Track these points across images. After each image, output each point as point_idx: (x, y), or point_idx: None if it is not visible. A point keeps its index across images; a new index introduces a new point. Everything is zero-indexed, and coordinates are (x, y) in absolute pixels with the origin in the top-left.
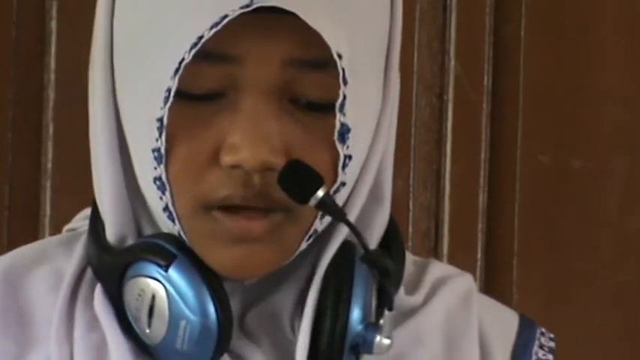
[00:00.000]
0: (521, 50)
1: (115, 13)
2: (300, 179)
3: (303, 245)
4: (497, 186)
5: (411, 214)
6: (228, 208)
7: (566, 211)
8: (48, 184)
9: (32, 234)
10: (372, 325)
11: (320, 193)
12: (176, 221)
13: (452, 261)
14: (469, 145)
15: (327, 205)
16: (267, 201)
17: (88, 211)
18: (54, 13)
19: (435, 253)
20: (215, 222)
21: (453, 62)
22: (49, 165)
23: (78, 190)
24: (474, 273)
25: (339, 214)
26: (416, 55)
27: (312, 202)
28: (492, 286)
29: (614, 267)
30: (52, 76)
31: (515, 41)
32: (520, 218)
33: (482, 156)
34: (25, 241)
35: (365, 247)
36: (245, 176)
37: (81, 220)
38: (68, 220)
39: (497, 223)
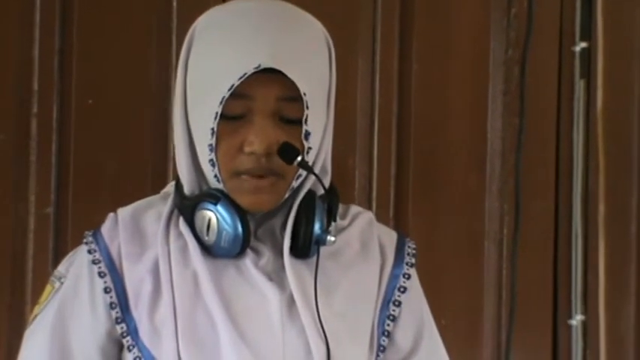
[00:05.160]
0: (412, 89)
1: (187, 70)
2: (288, 151)
3: (287, 194)
4: (402, 162)
5: (356, 178)
6: (249, 174)
7: (437, 180)
8: (170, 166)
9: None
10: (325, 231)
11: (299, 158)
12: (221, 182)
13: (378, 202)
14: (386, 140)
15: (303, 164)
16: (269, 170)
17: (172, 182)
18: (173, 80)
19: (369, 198)
20: (241, 182)
21: (377, 99)
22: (171, 154)
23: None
24: (388, 214)
25: (309, 168)
26: (358, 95)
27: (295, 162)
28: (399, 218)
29: (461, 210)
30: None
31: (409, 88)
32: (413, 184)
33: (393, 147)
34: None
35: (324, 187)
36: (257, 158)
37: (168, 187)
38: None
39: (401, 185)
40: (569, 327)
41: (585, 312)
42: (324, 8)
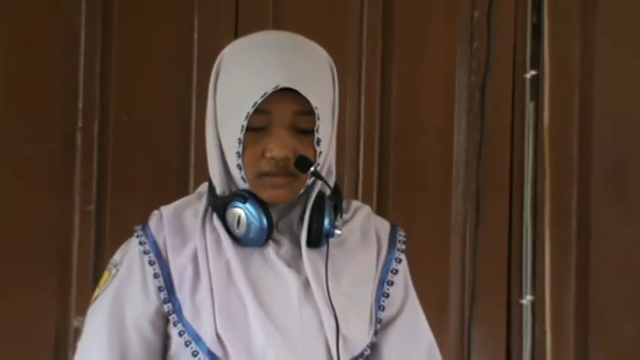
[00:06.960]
0: (392, 108)
1: (216, 92)
2: (304, 162)
3: (301, 191)
4: (383, 169)
5: (345, 182)
6: (269, 174)
7: (412, 184)
8: (192, 171)
9: (184, 193)
10: (334, 225)
11: (312, 168)
12: (246, 182)
13: (363, 201)
14: (370, 150)
15: (316, 173)
16: (286, 172)
17: (205, 183)
18: (194, 100)
19: (356, 193)
20: (263, 181)
21: (363, 115)
22: (192, 161)
23: (204, 173)
24: (372, 205)
25: (319, 177)
26: (348, 111)
27: (310, 171)
28: (380, 215)
29: (432, 209)
30: (194, 124)
31: (389, 107)
32: (392, 187)
33: (376, 156)
34: (182, 195)
35: (331, 189)
36: (276, 162)
37: (201, 188)
38: (196, 185)
39: (383, 188)
40: (521, 306)
41: (534, 293)
42: (316, 41)
